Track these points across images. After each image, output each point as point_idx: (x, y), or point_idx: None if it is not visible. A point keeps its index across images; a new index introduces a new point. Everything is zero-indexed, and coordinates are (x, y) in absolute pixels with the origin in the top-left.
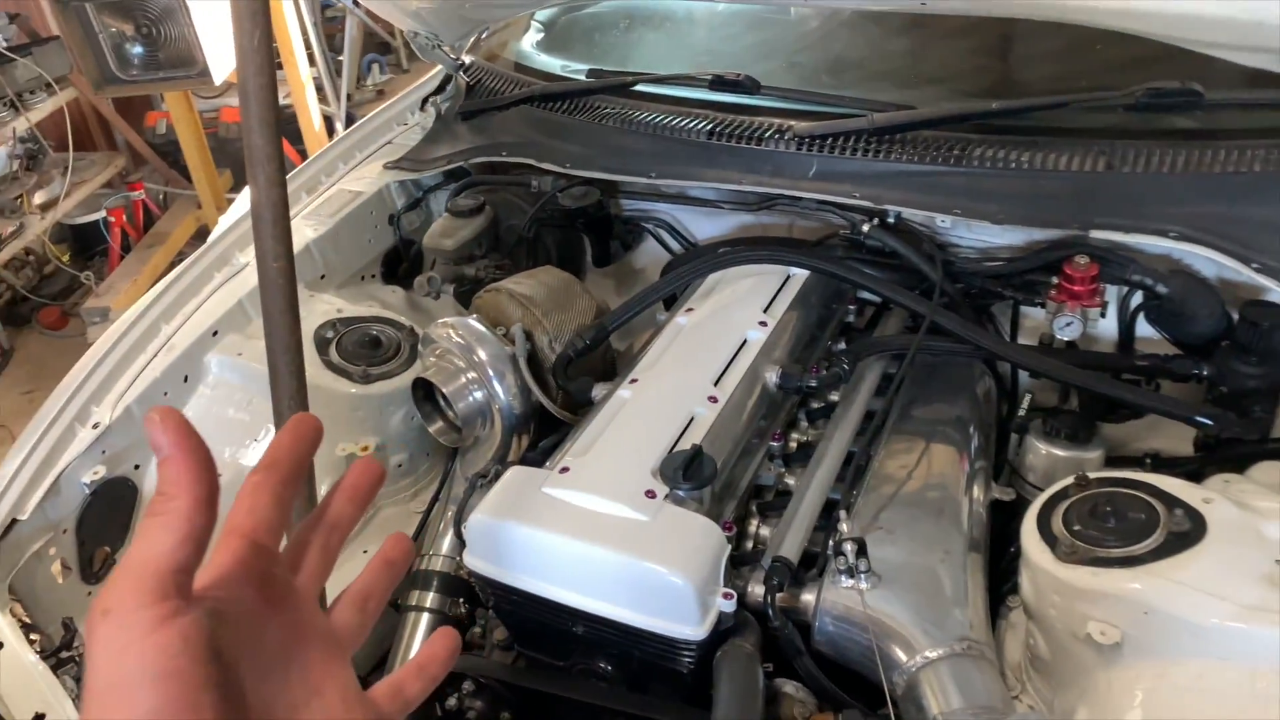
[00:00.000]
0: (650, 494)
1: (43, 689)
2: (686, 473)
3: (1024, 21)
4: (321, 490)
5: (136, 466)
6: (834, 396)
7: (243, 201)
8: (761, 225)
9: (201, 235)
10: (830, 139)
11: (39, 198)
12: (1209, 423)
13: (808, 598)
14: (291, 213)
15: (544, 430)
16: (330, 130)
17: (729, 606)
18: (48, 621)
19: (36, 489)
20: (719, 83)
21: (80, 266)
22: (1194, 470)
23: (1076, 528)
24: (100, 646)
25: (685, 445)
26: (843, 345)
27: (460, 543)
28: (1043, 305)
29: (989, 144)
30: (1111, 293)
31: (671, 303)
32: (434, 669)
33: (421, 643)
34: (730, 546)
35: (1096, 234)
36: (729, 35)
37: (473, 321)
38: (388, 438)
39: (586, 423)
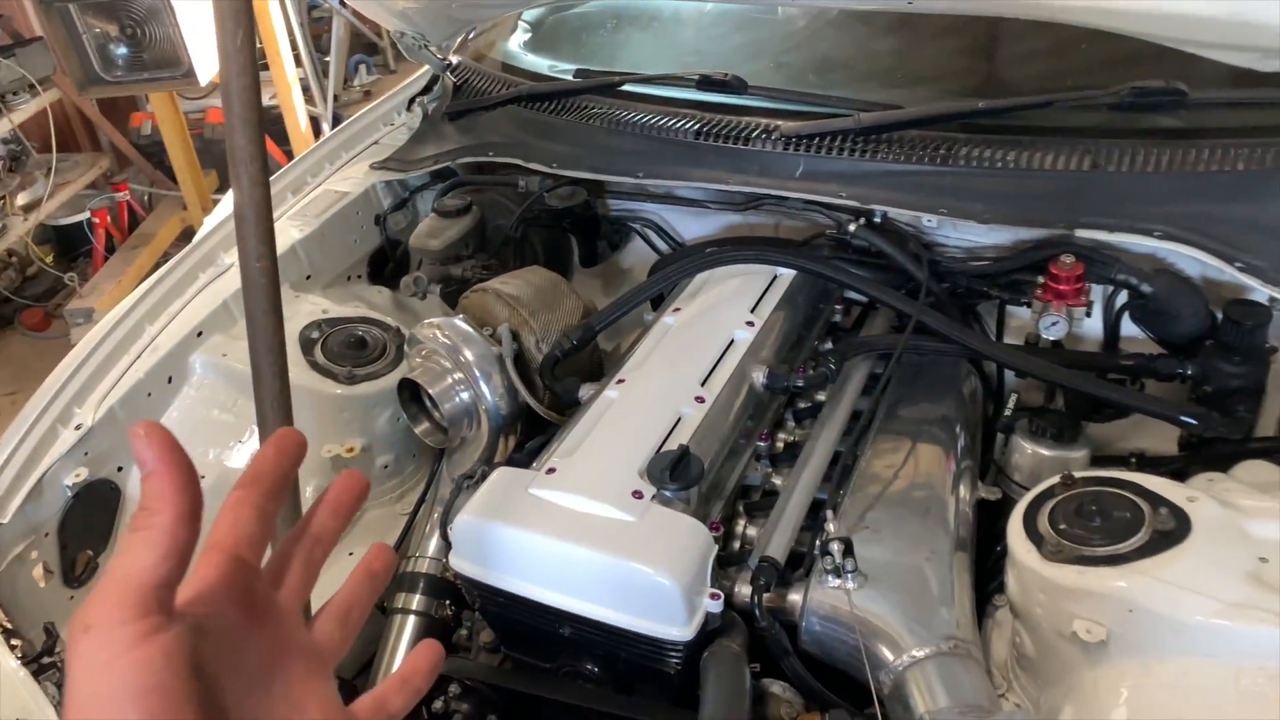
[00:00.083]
0: (637, 494)
1: (24, 695)
2: (673, 473)
3: (1010, 21)
4: (306, 493)
5: (120, 468)
6: (821, 396)
7: (228, 202)
8: (748, 225)
9: (187, 236)
10: (817, 139)
11: (22, 199)
12: (1193, 422)
13: (794, 598)
14: (277, 213)
15: (531, 431)
16: (317, 131)
17: (716, 607)
18: (29, 626)
19: (18, 491)
20: (706, 83)
21: (64, 268)
22: (1179, 469)
23: (1062, 526)
24: (81, 662)
25: (672, 445)
26: (829, 345)
27: (446, 544)
28: (1028, 305)
29: (975, 143)
30: (1097, 292)
31: (659, 303)
32: (417, 681)
33: (407, 646)
34: (717, 547)
35: (1082, 233)
36: (716, 35)
37: (459, 322)
38: (373, 439)
39: (573, 423)
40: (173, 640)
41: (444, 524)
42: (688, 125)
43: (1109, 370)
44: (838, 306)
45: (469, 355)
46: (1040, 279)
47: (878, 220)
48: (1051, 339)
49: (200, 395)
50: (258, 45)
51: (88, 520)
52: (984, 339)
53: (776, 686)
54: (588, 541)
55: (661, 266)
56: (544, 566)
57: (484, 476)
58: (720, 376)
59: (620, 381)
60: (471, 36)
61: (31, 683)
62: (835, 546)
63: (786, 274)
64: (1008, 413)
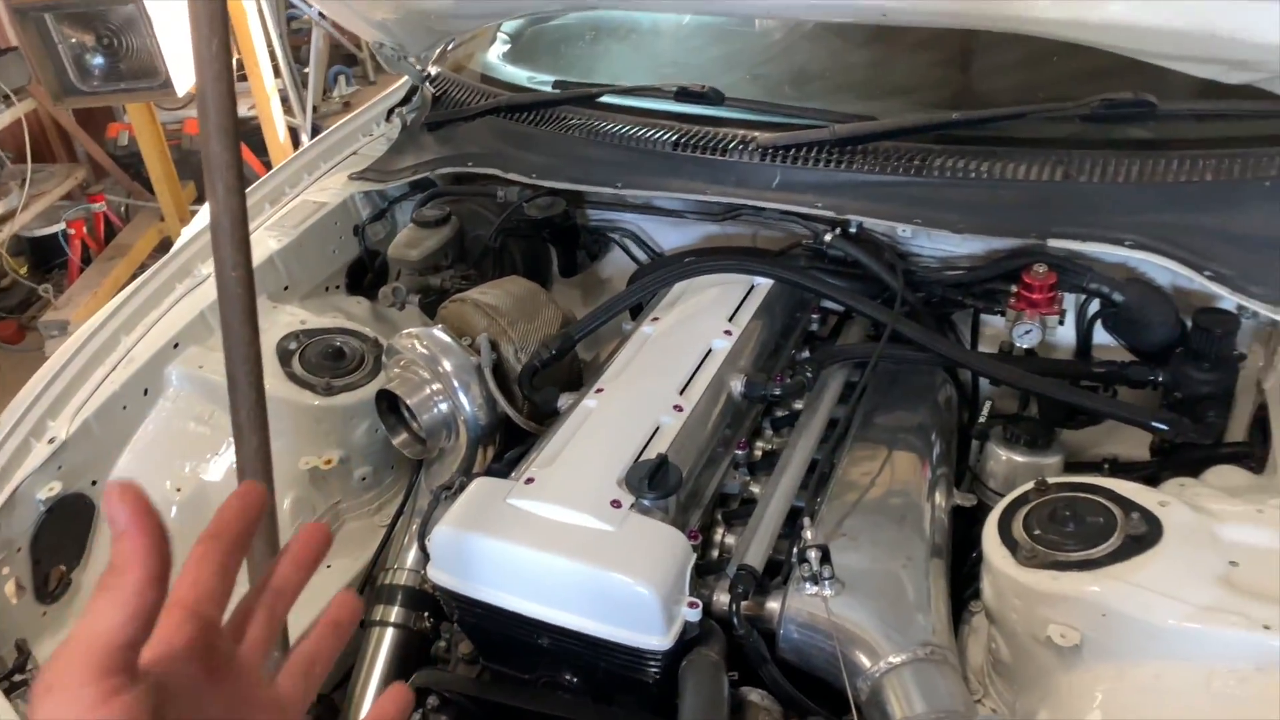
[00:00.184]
0: (616, 504)
1: None
2: (652, 482)
3: (984, 35)
4: (284, 504)
5: (94, 482)
6: (798, 405)
7: (206, 213)
8: (726, 235)
9: (164, 248)
10: (793, 150)
11: None
12: (1164, 428)
13: (772, 605)
14: (255, 224)
15: (510, 441)
16: (295, 142)
17: (694, 616)
18: (1, 644)
19: None
20: (684, 94)
21: (38, 279)
22: (1151, 475)
23: (1036, 532)
24: None
25: (651, 454)
26: (806, 354)
27: (425, 556)
28: (1002, 313)
29: (949, 154)
30: (1069, 301)
31: (638, 312)
32: None
33: (385, 659)
34: (695, 555)
35: (1054, 243)
36: (694, 47)
37: (437, 332)
38: (351, 450)
39: (552, 433)
40: (134, 701)
41: (422, 535)
42: (666, 136)
43: (1082, 377)
44: (814, 316)
45: (447, 365)
46: (1014, 288)
47: (853, 230)
48: (1025, 347)
49: (176, 407)
50: (236, 56)
51: (61, 535)
52: (959, 347)
53: (755, 695)
54: (566, 551)
55: (640, 276)
56: (522, 577)
57: (462, 487)
58: (698, 385)
59: (599, 391)
60: (451, 48)
61: (3, 701)
62: (812, 554)
63: (764, 283)
64: (982, 420)
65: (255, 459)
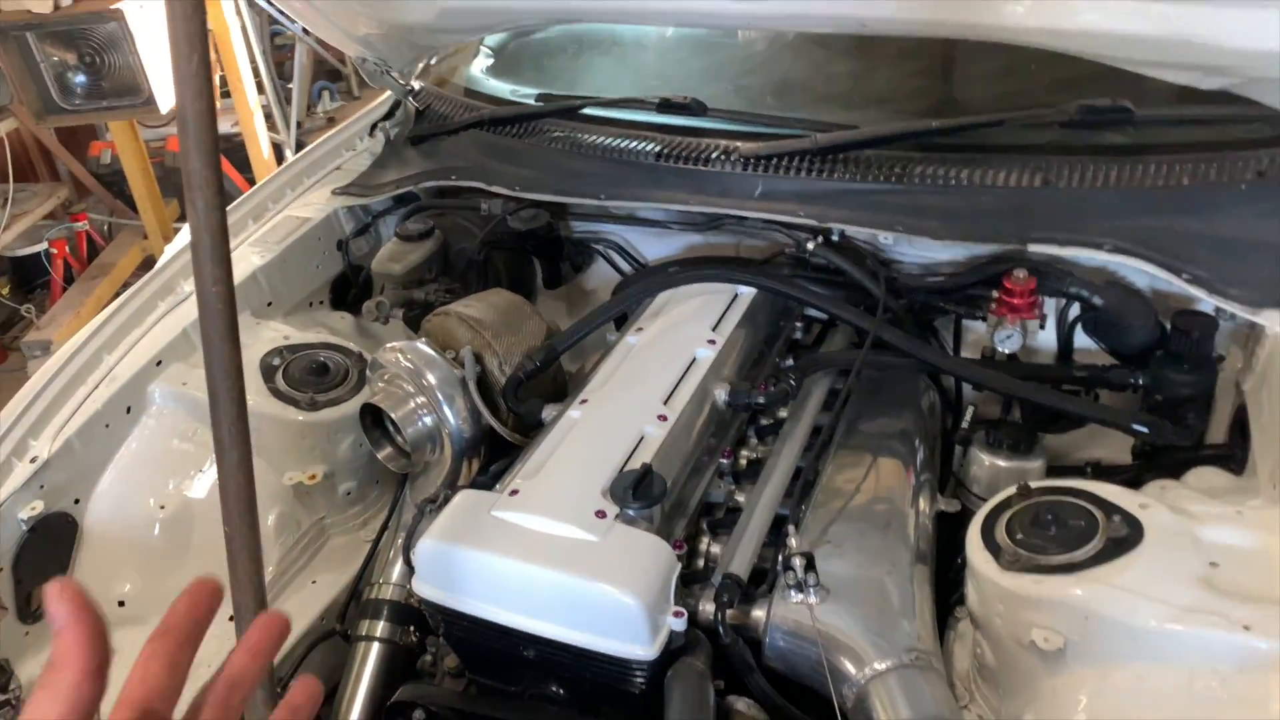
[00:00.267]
0: (600, 514)
1: None
2: (636, 492)
3: (964, 44)
4: (268, 520)
5: (76, 501)
6: (782, 413)
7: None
8: (709, 245)
9: (148, 266)
10: (775, 159)
11: None
12: (1145, 430)
13: (758, 614)
14: (238, 240)
15: (495, 454)
16: (280, 158)
17: (680, 625)
18: None
19: None
20: (666, 106)
21: (21, 300)
22: (1133, 478)
23: (1019, 536)
24: None
25: (635, 464)
26: (790, 362)
27: (410, 570)
28: (984, 319)
29: (930, 162)
30: (1050, 305)
31: (622, 323)
32: None
33: (372, 673)
34: (681, 565)
35: (1034, 248)
36: (676, 59)
37: (421, 345)
38: (336, 466)
39: (536, 444)
40: None
41: (407, 549)
42: (649, 148)
43: (1063, 382)
44: (798, 324)
45: (431, 379)
46: (995, 293)
47: (835, 238)
48: (1007, 352)
49: (160, 425)
50: (220, 73)
51: (43, 554)
52: (941, 353)
53: (741, 703)
54: (550, 562)
55: (625, 287)
56: (507, 589)
57: (447, 500)
58: (683, 395)
59: (583, 402)
60: (434, 62)
61: None
62: (797, 562)
63: (747, 292)
64: (965, 425)
65: (237, 473)
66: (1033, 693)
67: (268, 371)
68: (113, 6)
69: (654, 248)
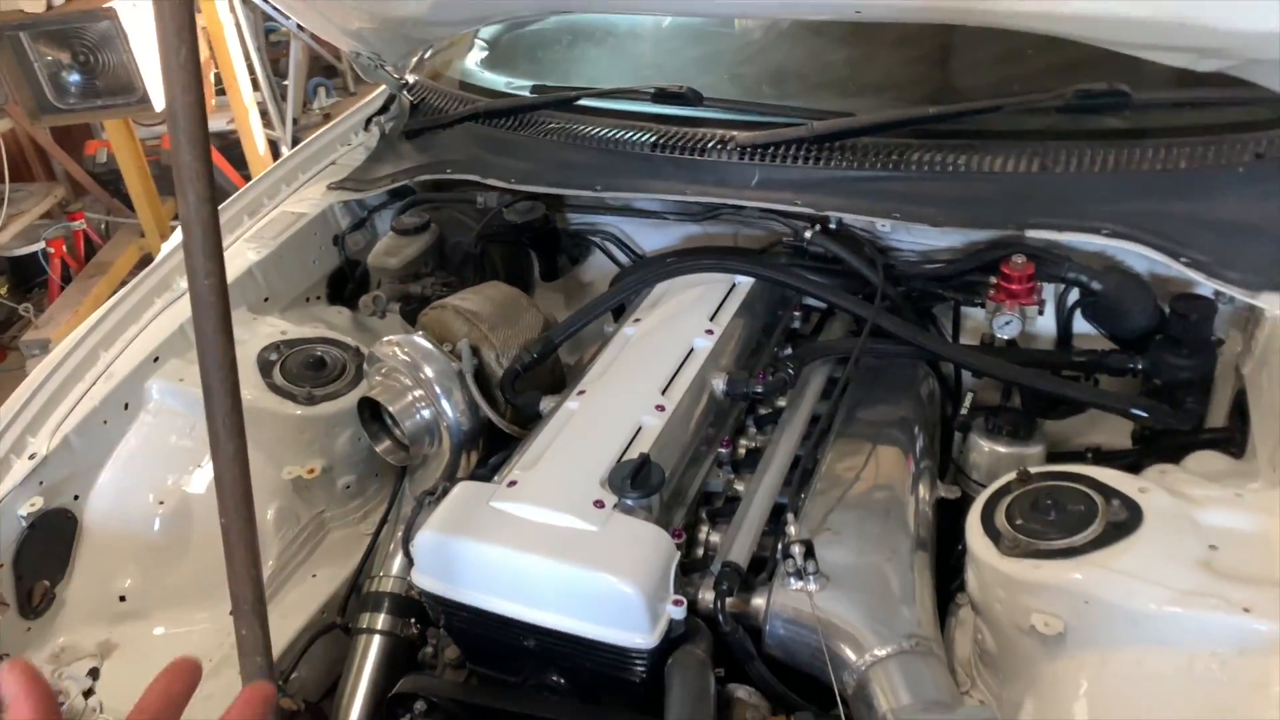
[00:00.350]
0: (599, 504)
1: None
2: (634, 481)
3: (960, 31)
4: (267, 515)
5: (76, 497)
6: (781, 402)
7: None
8: (707, 235)
9: (145, 264)
10: (771, 148)
11: None
12: (1144, 415)
13: (758, 602)
14: (233, 236)
15: (493, 446)
16: (276, 155)
17: (679, 614)
18: None
19: None
20: (661, 96)
21: (19, 299)
22: (1132, 463)
23: (1019, 522)
24: None
25: (633, 454)
26: (788, 351)
27: (410, 563)
28: (983, 305)
29: (926, 149)
30: (1049, 291)
31: (620, 314)
32: None
33: (373, 666)
34: (680, 554)
35: (1032, 234)
36: (671, 49)
37: (418, 339)
38: (335, 460)
39: (534, 436)
40: None
41: (406, 542)
42: (644, 138)
43: (1063, 367)
44: (796, 313)
45: (429, 372)
46: (993, 279)
47: (833, 226)
48: (1006, 338)
49: (158, 421)
50: (215, 71)
51: (43, 550)
52: (940, 340)
53: (742, 691)
54: (550, 552)
55: (622, 278)
56: (507, 579)
57: (445, 492)
58: (680, 385)
59: (581, 393)
60: (428, 55)
61: None
62: (797, 549)
63: (745, 282)
64: (965, 412)
65: (233, 465)
66: (1033, 677)
67: (265, 366)
68: (105, 5)
69: (651, 238)
